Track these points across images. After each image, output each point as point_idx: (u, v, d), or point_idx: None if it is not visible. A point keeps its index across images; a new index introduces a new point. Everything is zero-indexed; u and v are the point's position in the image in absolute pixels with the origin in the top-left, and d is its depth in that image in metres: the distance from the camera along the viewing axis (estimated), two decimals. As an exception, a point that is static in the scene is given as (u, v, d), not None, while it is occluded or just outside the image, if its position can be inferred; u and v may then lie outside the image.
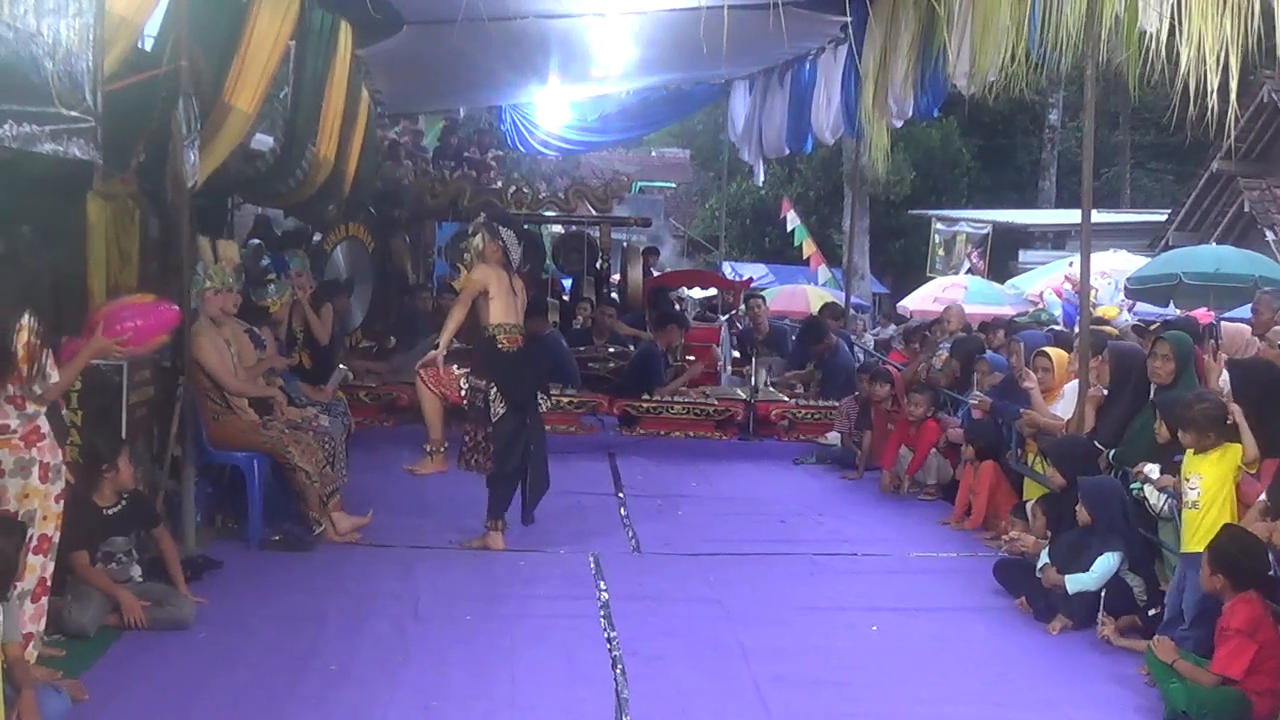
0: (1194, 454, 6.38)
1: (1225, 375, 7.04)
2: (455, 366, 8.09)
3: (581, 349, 13.23)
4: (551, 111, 19.65)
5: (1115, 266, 17.17)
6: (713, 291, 18.70)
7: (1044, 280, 19.42)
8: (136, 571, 6.47)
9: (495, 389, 7.91)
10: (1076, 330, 9.36)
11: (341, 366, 10.05)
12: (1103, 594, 6.66)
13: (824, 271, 28.38)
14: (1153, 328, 10.89)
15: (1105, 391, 8.04)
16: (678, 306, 16.76)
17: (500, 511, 8.06)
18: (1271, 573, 5.77)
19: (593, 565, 7.75)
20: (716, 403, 12.12)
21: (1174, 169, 33.98)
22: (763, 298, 16.50)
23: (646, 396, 12.01)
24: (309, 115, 9.45)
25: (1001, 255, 26.36)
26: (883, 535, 8.90)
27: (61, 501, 5.40)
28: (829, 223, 32.24)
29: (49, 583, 5.42)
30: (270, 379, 8.51)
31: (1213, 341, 9.76)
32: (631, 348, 13.32)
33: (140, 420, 7.20)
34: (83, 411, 6.55)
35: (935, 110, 12.85)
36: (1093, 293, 11.20)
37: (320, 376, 9.71)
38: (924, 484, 10.18)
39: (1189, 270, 14.74)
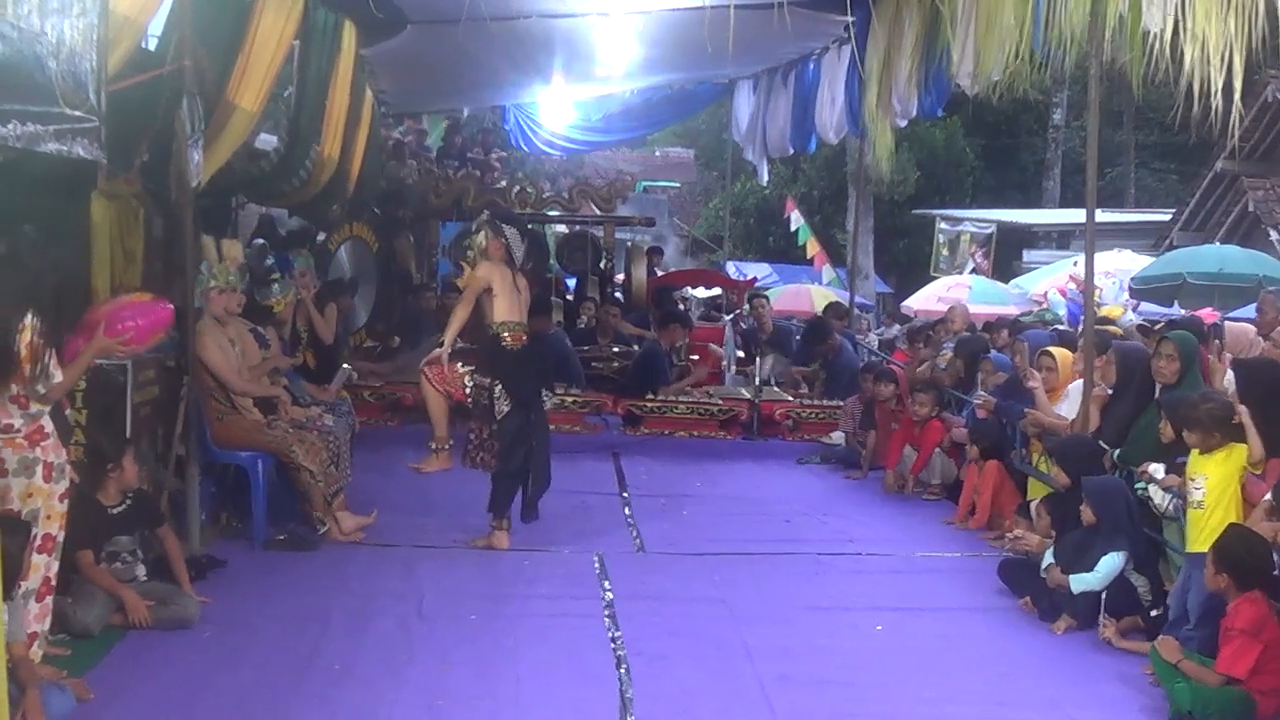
0: (1199, 454, 6.37)
1: (1230, 375, 7.04)
2: (460, 364, 8.09)
3: (585, 348, 13.23)
4: (555, 111, 19.65)
5: (1119, 266, 17.14)
6: (717, 291, 18.73)
7: (1048, 280, 19.39)
8: (141, 571, 6.47)
9: (500, 386, 7.92)
10: (1081, 330, 9.35)
11: (346, 366, 10.06)
12: (1103, 596, 6.66)
13: (828, 271, 28.35)
14: (1157, 327, 10.88)
15: (1110, 391, 8.04)
16: (682, 306, 16.76)
17: (504, 509, 8.06)
18: (1276, 572, 5.76)
19: (597, 565, 7.75)
20: (721, 402, 12.12)
21: (1178, 169, 33.97)
22: (767, 297, 16.51)
23: (650, 396, 12.01)
24: (313, 115, 9.45)
25: (1006, 255, 26.34)
26: (887, 535, 8.90)
27: (66, 501, 5.40)
28: (833, 222, 32.21)
29: (54, 582, 5.42)
30: (274, 378, 8.51)
31: (1217, 341, 9.75)
32: (635, 347, 13.32)
33: (145, 419, 7.21)
34: (87, 411, 6.55)
35: (939, 110, 12.84)
36: (1097, 292, 11.20)
37: (324, 376, 9.72)
38: (928, 484, 10.18)
39: (1193, 270, 14.70)
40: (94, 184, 7.14)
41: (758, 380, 12.36)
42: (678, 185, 42.62)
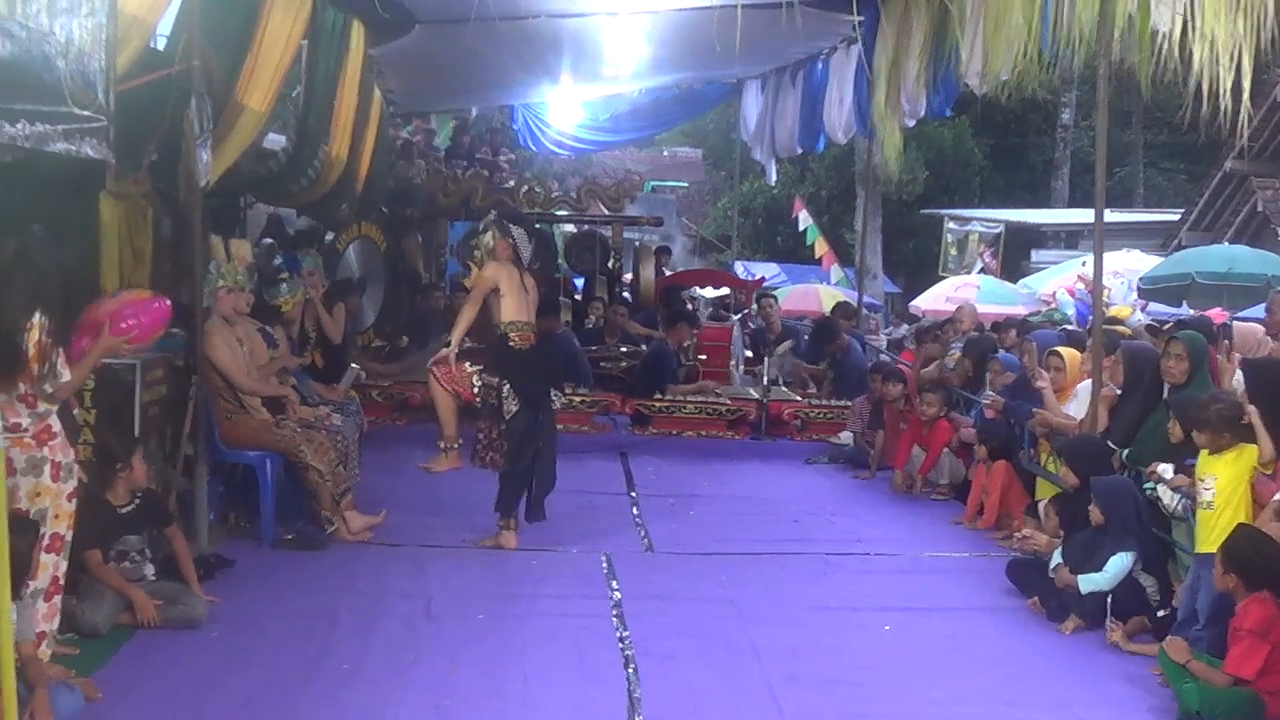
0: (1209, 454, 6.36)
1: (1239, 375, 7.02)
2: (468, 364, 8.10)
3: (594, 348, 13.24)
4: (563, 111, 19.66)
5: (1128, 266, 17.15)
6: (725, 291, 18.70)
7: (1056, 280, 19.40)
8: (149, 570, 6.48)
9: (508, 386, 7.92)
10: (1089, 330, 9.33)
11: (354, 365, 10.07)
12: (1109, 600, 6.65)
13: (836, 271, 28.38)
14: (1166, 327, 10.85)
15: (1118, 391, 8.02)
16: (690, 306, 16.76)
17: (511, 509, 8.07)
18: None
19: (605, 565, 7.75)
20: (729, 402, 12.11)
21: (1187, 168, 33.91)
22: (775, 297, 16.50)
23: (659, 396, 12.01)
24: (321, 114, 9.47)
25: (1014, 255, 26.33)
26: (895, 535, 8.89)
27: (74, 500, 5.40)
28: (841, 222, 32.23)
29: (62, 582, 5.43)
30: (283, 378, 8.52)
31: (1226, 341, 9.72)
32: (643, 347, 13.32)
33: (153, 419, 7.22)
34: (96, 410, 6.56)
35: (947, 109, 12.84)
36: (1105, 292, 11.18)
37: (333, 375, 9.73)
38: (936, 484, 10.16)
39: (1202, 270, 14.70)
40: (102, 184, 7.15)
41: (766, 380, 12.36)
42: (686, 185, 42.65)
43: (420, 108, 18.36)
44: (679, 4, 11.00)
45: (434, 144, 19.62)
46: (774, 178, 21.13)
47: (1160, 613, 6.66)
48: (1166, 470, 6.88)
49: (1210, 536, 6.11)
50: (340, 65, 9.51)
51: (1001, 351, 10.37)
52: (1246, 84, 6.91)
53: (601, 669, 5.92)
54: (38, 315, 5.03)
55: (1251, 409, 6.34)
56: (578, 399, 11.55)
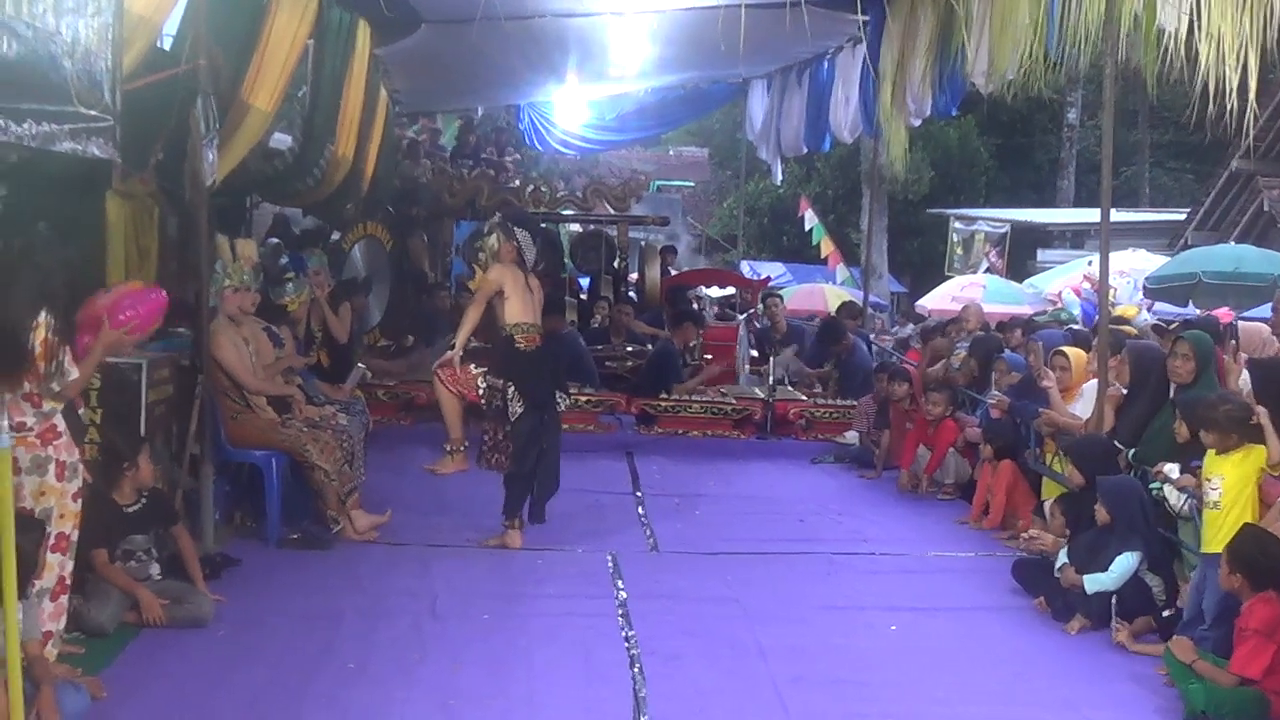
0: (1216, 454, 6.35)
1: (1245, 375, 7.00)
2: (473, 366, 8.10)
3: (599, 348, 13.23)
4: (569, 110, 19.69)
5: (1134, 266, 17.09)
6: (731, 290, 18.69)
7: (1062, 279, 19.35)
8: (155, 569, 6.48)
9: (513, 388, 7.92)
10: (1095, 329, 9.32)
11: (360, 365, 10.08)
12: (1114, 599, 6.64)
13: (842, 270, 28.35)
14: (1172, 327, 10.84)
15: (1124, 391, 8.02)
16: (696, 305, 16.76)
17: (516, 510, 8.06)
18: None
19: (610, 564, 7.74)
20: (734, 402, 12.11)
21: (1193, 168, 33.85)
22: (780, 296, 16.49)
23: (664, 395, 12.01)
24: (327, 114, 9.47)
25: (1020, 254, 26.28)
26: (901, 535, 8.89)
27: (79, 500, 5.41)
28: (847, 221, 32.18)
29: (68, 581, 5.44)
30: (289, 377, 8.52)
31: (1232, 341, 9.71)
32: (649, 346, 13.32)
33: (159, 418, 7.22)
34: (101, 410, 6.57)
35: (953, 109, 12.82)
36: (1111, 292, 11.16)
37: (338, 375, 9.74)
38: (942, 483, 10.15)
39: (1208, 270, 14.65)
40: (109, 183, 7.16)
41: (771, 379, 12.35)
42: (692, 184, 42.63)
43: (426, 107, 18.38)
44: (685, 3, 11.01)
45: (439, 143, 19.64)
46: (779, 177, 21.16)
47: (1166, 613, 6.66)
48: (1173, 470, 6.88)
49: (1217, 536, 6.10)
50: (346, 65, 9.52)
51: (1007, 351, 10.35)
52: (1253, 83, 6.91)
53: (607, 668, 5.92)
54: (44, 314, 5.03)
55: (1262, 410, 6.33)
56: (583, 398, 11.55)
